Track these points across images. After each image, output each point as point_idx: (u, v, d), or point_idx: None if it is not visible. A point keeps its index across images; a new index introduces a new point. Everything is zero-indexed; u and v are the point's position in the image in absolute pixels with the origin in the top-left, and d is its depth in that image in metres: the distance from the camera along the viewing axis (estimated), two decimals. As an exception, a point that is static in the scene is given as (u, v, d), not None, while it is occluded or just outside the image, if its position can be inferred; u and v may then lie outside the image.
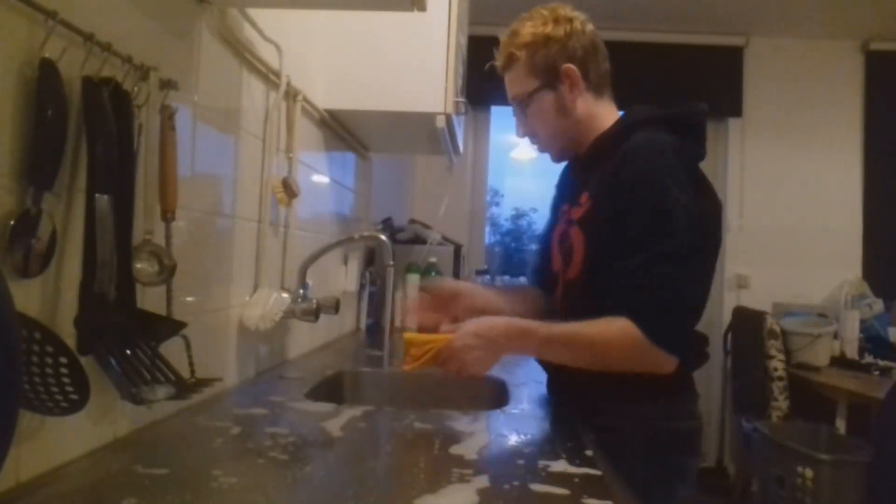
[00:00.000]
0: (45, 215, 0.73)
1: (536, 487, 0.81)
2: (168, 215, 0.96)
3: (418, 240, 2.69)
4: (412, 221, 2.92)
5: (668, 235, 1.06)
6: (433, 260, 2.52)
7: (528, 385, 1.46)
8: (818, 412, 3.02)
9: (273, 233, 1.52)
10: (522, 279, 3.43)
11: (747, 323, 3.43)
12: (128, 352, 0.86)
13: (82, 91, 0.78)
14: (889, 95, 3.87)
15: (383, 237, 1.67)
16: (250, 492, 0.77)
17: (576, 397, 1.23)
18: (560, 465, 0.89)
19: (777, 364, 3.19)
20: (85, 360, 0.77)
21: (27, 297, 0.73)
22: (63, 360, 0.73)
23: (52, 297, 0.77)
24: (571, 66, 1.21)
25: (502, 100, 1.33)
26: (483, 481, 0.81)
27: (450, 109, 1.82)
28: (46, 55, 0.72)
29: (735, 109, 3.93)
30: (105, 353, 0.82)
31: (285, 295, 1.43)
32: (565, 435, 1.07)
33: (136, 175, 0.87)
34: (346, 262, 2.21)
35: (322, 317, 1.58)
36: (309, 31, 1.72)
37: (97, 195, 0.78)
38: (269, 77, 1.43)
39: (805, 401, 3.14)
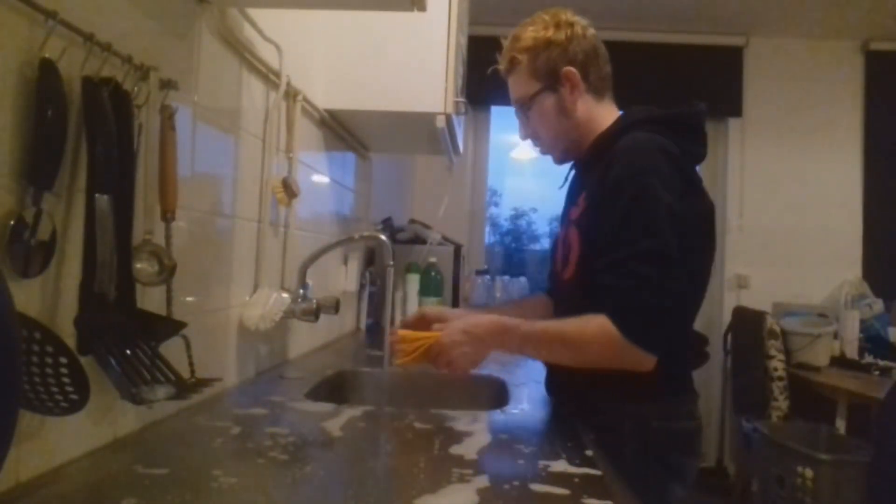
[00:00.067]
0: (45, 215, 0.73)
1: (536, 487, 0.81)
2: (168, 215, 0.96)
3: (418, 240, 2.69)
4: (412, 221, 2.92)
5: (648, 234, 1.05)
6: (433, 260, 2.52)
7: (528, 385, 1.47)
8: (818, 412, 3.03)
9: (273, 233, 1.52)
10: (522, 279, 3.42)
11: (747, 323, 3.43)
12: (128, 352, 0.86)
13: (82, 91, 0.78)
14: (889, 95, 3.87)
15: (383, 237, 1.67)
16: (250, 492, 0.77)
17: (575, 397, 1.23)
18: (560, 465, 0.89)
19: (777, 364, 3.19)
20: (85, 360, 0.77)
21: (27, 297, 0.73)
22: (63, 360, 0.73)
23: (52, 297, 0.77)
24: (572, 69, 1.22)
25: (502, 100, 1.34)
26: (483, 481, 0.81)
27: (450, 109, 1.82)
28: (46, 55, 0.72)
29: (735, 109, 3.93)
30: (105, 353, 0.82)
31: (285, 295, 1.43)
32: (565, 435, 1.07)
33: (136, 175, 0.87)
34: (346, 262, 2.21)
35: (322, 317, 1.58)
36: (309, 31, 1.72)
37: (97, 195, 0.78)
38: (269, 77, 1.43)
39: (805, 401, 3.14)
